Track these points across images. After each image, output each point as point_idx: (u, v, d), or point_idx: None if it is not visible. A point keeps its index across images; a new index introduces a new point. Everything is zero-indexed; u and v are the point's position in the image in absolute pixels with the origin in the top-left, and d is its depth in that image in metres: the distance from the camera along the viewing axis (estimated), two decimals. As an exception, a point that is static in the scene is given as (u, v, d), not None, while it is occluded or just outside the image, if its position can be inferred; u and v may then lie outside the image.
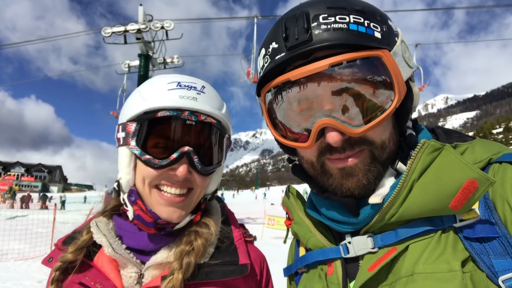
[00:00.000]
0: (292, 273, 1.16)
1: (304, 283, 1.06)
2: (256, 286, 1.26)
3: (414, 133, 0.95)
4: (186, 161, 1.11)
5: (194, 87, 1.16)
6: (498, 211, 0.76)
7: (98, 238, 1.12)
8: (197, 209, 1.23)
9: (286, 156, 1.17)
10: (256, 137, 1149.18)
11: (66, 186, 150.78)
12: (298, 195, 1.22)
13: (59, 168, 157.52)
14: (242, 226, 1.37)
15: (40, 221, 15.30)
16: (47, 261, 1.20)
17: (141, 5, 17.19)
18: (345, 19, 0.84)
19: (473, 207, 0.79)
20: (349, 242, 0.94)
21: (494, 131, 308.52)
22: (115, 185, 1.19)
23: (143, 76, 16.94)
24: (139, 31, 16.58)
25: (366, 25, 0.84)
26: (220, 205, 1.36)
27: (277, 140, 1.05)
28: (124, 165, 1.14)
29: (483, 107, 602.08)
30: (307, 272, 1.07)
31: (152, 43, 17.69)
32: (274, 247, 10.84)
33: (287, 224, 1.22)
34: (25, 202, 36.86)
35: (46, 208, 34.59)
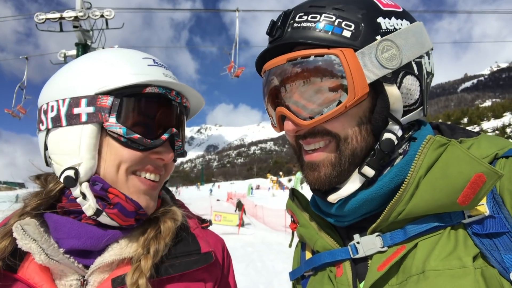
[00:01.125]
0: (298, 277, 1.14)
1: (313, 285, 1.05)
2: (220, 274, 1.15)
3: (393, 139, 0.89)
4: (169, 144, 1.04)
5: (167, 68, 1.09)
6: (506, 205, 0.76)
7: (25, 244, 0.90)
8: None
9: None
10: (201, 132, 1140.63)
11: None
12: (303, 198, 1.20)
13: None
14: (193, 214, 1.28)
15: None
16: None
17: (78, -10, 16.10)
18: (315, 18, 0.88)
19: (481, 203, 0.79)
20: (358, 242, 0.93)
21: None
22: (70, 173, 0.95)
23: (80, 66, 15.88)
24: (76, 18, 15.49)
25: (336, 24, 0.86)
26: (169, 195, 1.27)
27: None
28: (88, 147, 0.95)
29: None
30: (315, 275, 1.06)
31: (91, 32, 16.63)
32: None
33: (292, 227, 1.20)
34: None
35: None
